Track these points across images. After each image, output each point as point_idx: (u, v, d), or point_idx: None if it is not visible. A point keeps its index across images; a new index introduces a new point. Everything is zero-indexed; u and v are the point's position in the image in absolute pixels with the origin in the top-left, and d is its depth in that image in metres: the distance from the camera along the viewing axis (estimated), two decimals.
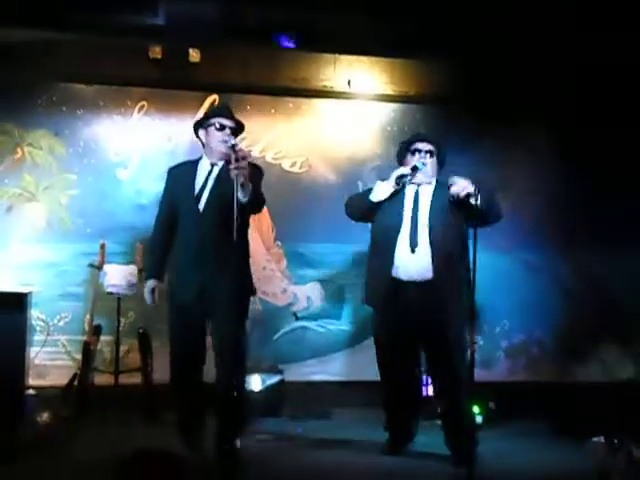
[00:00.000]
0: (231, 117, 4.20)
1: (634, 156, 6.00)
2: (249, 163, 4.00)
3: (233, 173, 3.73)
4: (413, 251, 4.27)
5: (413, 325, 4.31)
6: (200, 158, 4.25)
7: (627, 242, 6.05)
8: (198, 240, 4.05)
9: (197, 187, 4.13)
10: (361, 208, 4.47)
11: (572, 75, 5.73)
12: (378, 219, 4.45)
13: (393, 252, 4.30)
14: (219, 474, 3.79)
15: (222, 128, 4.13)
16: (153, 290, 4.23)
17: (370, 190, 4.46)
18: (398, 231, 4.32)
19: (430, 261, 4.26)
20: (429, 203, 4.39)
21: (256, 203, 4.03)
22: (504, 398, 5.43)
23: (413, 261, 4.27)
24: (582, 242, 6.10)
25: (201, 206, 4.09)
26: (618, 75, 5.65)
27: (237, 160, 3.74)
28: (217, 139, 4.12)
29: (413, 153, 4.47)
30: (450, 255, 4.26)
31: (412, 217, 4.34)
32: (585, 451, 4.43)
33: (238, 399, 3.97)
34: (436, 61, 5.84)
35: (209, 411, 4.14)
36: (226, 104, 4.64)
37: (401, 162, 4.54)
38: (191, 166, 4.25)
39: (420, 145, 4.49)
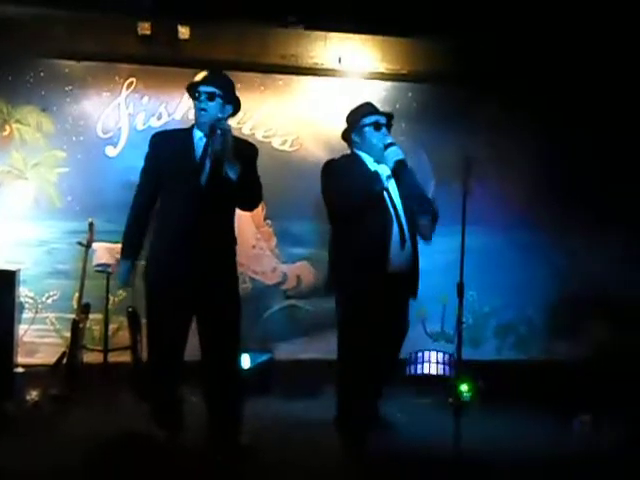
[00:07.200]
0: (211, 83, 3.87)
1: (630, 138, 6.00)
2: (241, 140, 3.97)
3: (215, 148, 3.65)
4: None
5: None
6: (192, 127, 3.96)
7: (616, 223, 6.05)
8: (195, 218, 3.70)
9: (196, 159, 3.81)
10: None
11: (568, 49, 5.69)
12: None
13: None
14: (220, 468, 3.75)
15: (198, 95, 3.86)
16: (131, 271, 3.96)
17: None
18: None
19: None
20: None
21: (248, 186, 3.81)
22: (493, 377, 5.46)
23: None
24: (572, 221, 6.11)
25: (202, 181, 3.77)
26: (617, 50, 5.62)
27: (221, 134, 3.66)
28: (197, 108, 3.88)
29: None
30: None
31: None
32: (573, 429, 4.49)
33: (238, 389, 3.96)
34: (428, 38, 5.80)
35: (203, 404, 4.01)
36: (213, 70, 4.06)
37: None
38: (184, 135, 3.94)
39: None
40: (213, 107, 3.84)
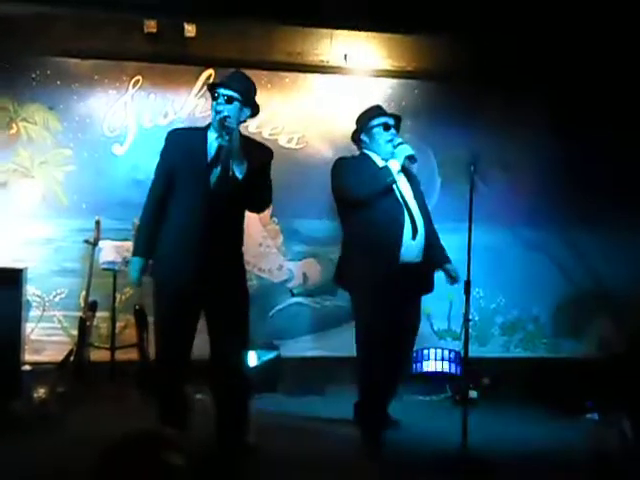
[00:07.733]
0: (231, 87, 3.86)
1: (637, 135, 5.98)
2: (256, 142, 4.00)
3: (222, 146, 3.69)
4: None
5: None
6: (208, 127, 3.93)
7: (623, 221, 6.02)
8: (204, 218, 3.70)
9: (208, 160, 3.80)
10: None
11: (575, 45, 5.66)
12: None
13: None
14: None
15: (217, 97, 3.86)
16: (144, 269, 3.86)
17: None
18: None
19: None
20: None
21: (256, 187, 3.80)
22: (499, 374, 5.46)
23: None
24: (578, 219, 6.09)
25: (212, 181, 3.76)
26: (622, 48, 5.59)
27: (227, 133, 3.68)
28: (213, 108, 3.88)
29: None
30: None
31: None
32: (580, 429, 4.47)
33: (245, 386, 3.97)
34: (434, 36, 5.78)
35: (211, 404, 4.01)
36: (236, 72, 4.07)
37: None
38: (199, 135, 3.91)
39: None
40: (230, 110, 3.81)
